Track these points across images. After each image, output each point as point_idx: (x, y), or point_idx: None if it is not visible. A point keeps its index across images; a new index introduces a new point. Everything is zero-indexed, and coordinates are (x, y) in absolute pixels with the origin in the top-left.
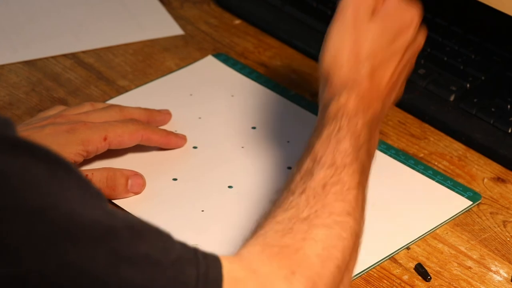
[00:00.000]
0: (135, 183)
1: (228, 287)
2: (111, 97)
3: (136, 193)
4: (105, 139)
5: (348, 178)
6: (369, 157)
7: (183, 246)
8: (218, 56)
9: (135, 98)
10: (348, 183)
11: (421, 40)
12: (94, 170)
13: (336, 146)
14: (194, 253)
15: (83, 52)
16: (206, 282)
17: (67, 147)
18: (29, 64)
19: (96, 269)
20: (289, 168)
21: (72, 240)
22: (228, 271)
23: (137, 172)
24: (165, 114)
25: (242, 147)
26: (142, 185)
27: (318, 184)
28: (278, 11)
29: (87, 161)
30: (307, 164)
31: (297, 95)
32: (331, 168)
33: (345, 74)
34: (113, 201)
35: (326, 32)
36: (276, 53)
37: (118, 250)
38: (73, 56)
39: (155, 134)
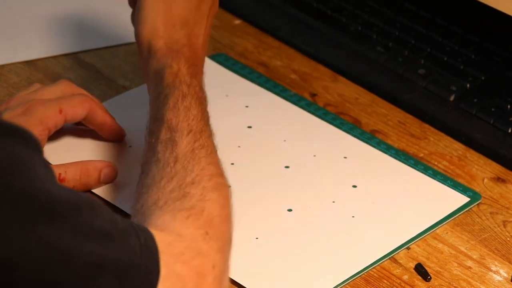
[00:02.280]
0: (107, 175)
1: (163, 252)
2: (111, 97)
3: (108, 183)
4: (60, 112)
5: (208, 141)
6: (208, 117)
7: (122, 219)
8: (218, 56)
9: (133, 99)
10: (209, 146)
11: (216, 4)
12: (67, 167)
13: (187, 113)
14: (131, 224)
15: (83, 52)
16: (148, 250)
17: None
18: (30, 64)
19: (61, 244)
20: (287, 167)
21: (45, 216)
22: (159, 238)
23: (109, 163)
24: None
25: (239, 147)
26: (114, 176)
27: (187, 150)
28: (278, 11)
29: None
30: (164, 133)
31: (297, 95)
32: (191, 134)
33: (166, 42)
34: (113, 203)
35: (137, 4)
36: (276, 53)
37: (80, 225)
38: (73, 56)
39: (102, 108)
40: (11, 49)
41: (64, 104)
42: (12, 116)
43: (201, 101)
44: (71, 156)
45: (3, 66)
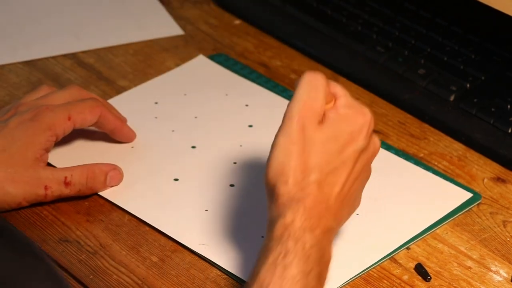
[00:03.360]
0: (113, 178)
1: None
2: (111, 97)
3: (114, 186)
4: (69, 118)
5: None
6: (320, 279)
7: None
8: (218, 56)
9: (133, 99)
10: None
11: (375, 145)
12: (73, 170)
13: (283, 273)
14: None
15: (83, 52)
16: None
17: (36, 137)
18: (29, 64)
19: None
20: None
21: None
22: None
23: (115, 166)
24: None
25: (240, 146)
26: (120, 178)
27: None
28: (278, 11)
29: (67, 159)
30: None
31: None
32: None
33: (290, 189)
34: (117, 203)
35: (272, 142)
36: (276, 53)
37: None
38: (73, 56)
39: (112, 113)
40: (11, 49)
41: (73, 110)
42: (20, 122)
43: (308, 260)
44: (73, 157)
45: (3, 66)
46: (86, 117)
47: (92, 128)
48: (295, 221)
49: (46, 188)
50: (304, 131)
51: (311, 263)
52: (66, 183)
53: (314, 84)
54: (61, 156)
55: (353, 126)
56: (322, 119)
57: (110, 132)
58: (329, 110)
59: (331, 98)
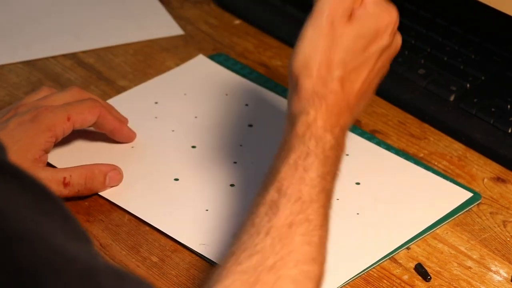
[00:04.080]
0: (112, 178)
1: None
2: (111, 97)
3: (114, 186)
4: (68, 119)
5: (315, 215)
6: (334, 179)
7: None
8: (218, 56)
9: (133, 99)
10: (314, 221)
11: (397, 43)
12: (72, 170)
13: (303, 175)
14: None
15: (83, 52)
16: None
17: (36, 138)
18: (29, 64)
19: None
20: None
21: (56, 272)
22: None
23: (114, 166)
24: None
25: (241, 145)
26: (120, 179)
27: (284, 223)
28: (278, 11)
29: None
30: (272, 194)
31: None
32: (297, 204)
33: (314, 83)
34: (117, 203)
35: (301, 33)
36: (276, 53)
37: (102, 286)
38: (73, 56)
39: (112, 114)
40: (11, 49)
41: (72, 111)
42: (20, 122)
43: (326, 162)
44: (72, 157)
45: (3, 66)
46: (85, 118)
47: (92, 128)
48: (318, 120)
49: None
50: (333, 26)
51: (329, 165)
52: (65, 184)
53: None
54: (61, 156)
55: (379, 23)
56: (350, 15)
57: (110, 133)
58: (357, 7)
59: None
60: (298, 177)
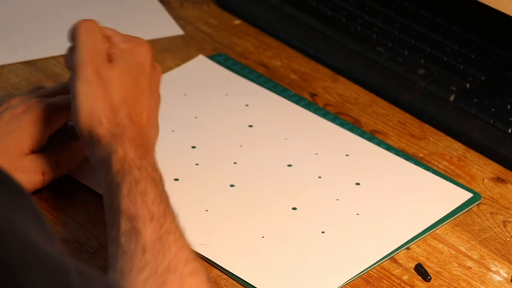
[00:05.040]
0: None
1: None
2: None
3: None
4: (61, 110)
5: (173, 225)
6: (167, 195)
7: None
8: (218, 56)
9: None
10: (175, 230)
11: (158, 70)
12: (59, 151)
13: (144, 198)
14: None
15: None
16: None
17: (30, 128)
18: (29, 64)
19: None
20: (289, 165)
21: (29, 266)
22: None
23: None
24: None
25: (241, 146)
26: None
27: (153, 239)
28: (278, 11)
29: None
30: (124, 225)
31: (297, 95)
32: (154, 221)
33: (108, 127)
34: None
35: (71, 93)
36: (276, 53)
37: (69, 286)
38: None
39: None
40: (11, 49)
41: (65, 102)
42: (13, 115)
43: (157, 182)
44: None
45: (3, 66)
46: None
47: None
48: (128, 153)
49: (43, 173)
50: (99, 74)
51: (159, 183)
52: (58, 163)
53: (90, 30)
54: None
55: (138, 56)
56: (110, 59)
57: None
58: (110, 49)
59: (105, 39)
60: (140, 202)
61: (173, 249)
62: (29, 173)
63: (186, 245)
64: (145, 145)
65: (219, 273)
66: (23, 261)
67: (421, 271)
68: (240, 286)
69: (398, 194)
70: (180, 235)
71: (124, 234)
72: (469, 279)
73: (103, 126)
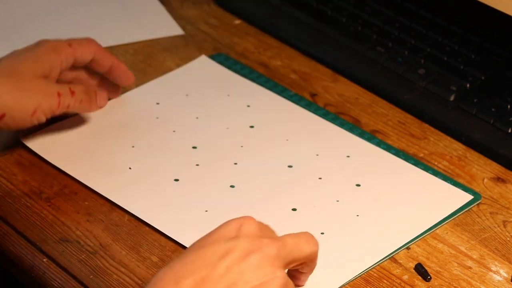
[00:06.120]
0: (102, 97)
1: None
2: (110, 98)
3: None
4: (70, 45)
5: None
6: None
7: None
8: (218, 56)
9: (133, 99)
10: None
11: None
12: (72, 82)
13: None
14: None
15: None
16: None
17: (43, 56)
18: None
19: None
20: (290, 166)
21: None
22: None
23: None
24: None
25: (241, 146)
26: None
27: None
28: (278, 11)
29: None
30: None
31: (297, 95)
32: None
33: None
34: (117, 203)
35: None
36: (276, 53)
37: None
38: None
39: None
40: (11, 49)
41: (72, 41)
42: (26, 48)
43: None
44: (72, 154)
45: None
46: (84, 50)
47: (92, 127)
48: None
49: (59, 94)
50: None
51: None
52: (72, 92)
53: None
54: (60, 154)
55: None
56: None
57: (108, 71)
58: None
59: None
60: None
61: None
62: (45, 93)
63: None
64: None
65: None
66: None
67: (421, 271)
68: None
69: (398, 196)
70: None
71: None
72: (469, 279)
73: None
